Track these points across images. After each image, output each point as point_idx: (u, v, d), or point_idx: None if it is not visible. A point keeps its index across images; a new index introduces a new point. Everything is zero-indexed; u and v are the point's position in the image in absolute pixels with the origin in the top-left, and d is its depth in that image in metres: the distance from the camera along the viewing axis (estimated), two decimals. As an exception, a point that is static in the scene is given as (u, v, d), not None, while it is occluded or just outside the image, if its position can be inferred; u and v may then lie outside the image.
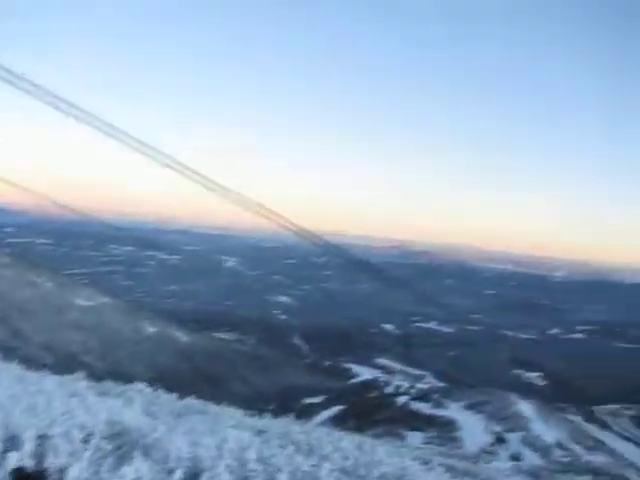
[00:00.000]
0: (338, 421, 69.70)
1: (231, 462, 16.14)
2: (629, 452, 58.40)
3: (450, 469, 29.39)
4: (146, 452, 15.42)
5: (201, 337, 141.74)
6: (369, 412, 77.95)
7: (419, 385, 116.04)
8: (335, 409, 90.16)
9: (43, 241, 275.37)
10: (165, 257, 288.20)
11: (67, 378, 27.53)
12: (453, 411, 69.55)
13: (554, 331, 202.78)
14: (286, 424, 31.59)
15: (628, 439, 71.61)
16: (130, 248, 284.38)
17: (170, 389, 34.06)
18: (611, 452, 54.05)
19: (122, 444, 14.82)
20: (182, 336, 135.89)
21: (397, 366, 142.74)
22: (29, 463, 11.50)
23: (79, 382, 25.65)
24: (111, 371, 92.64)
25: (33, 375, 25.58)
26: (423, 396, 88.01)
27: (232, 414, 31.46)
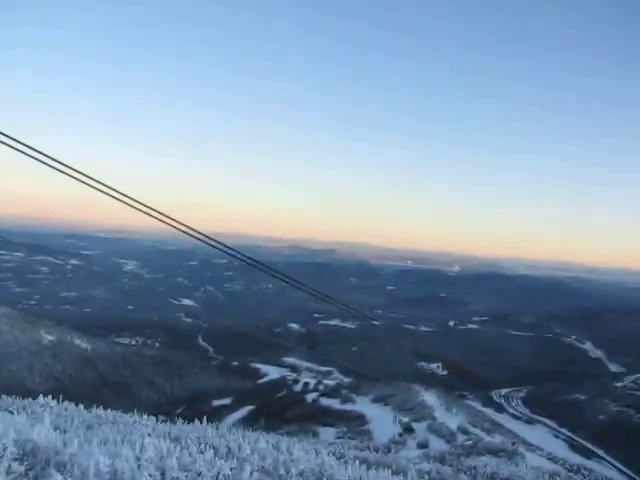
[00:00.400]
0: (249, 421, 69.50)
1: (153, 472, 16.04)
2: (521, 430, 63.13)
3: (363, 461, 30.46)
4: (62, 469, 15.01)
5: (103, 343, 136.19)
6: (280, 411, 78.18)
7: (327, 381, 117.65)
8: (245, 409, 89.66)
9: None
10: (60, 262, 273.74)
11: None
12: (361, 405, 71.35)
13: (452, 323, 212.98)
14: (201, 429, 31.46)
15: (518, 418, 77.18)
16: (21, 254, 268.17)
17: (74, 400, 32.83)
18: (507, 432, 57.99)
19: (35, 463, 14.34)
20: (82, 343, 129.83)
21: (304, 364, 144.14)
22: None
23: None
24: (7, 384, 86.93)
25: None
26: (332, 392, 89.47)
27: (144, 422, 30.78)
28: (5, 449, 14.23)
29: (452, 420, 55.40)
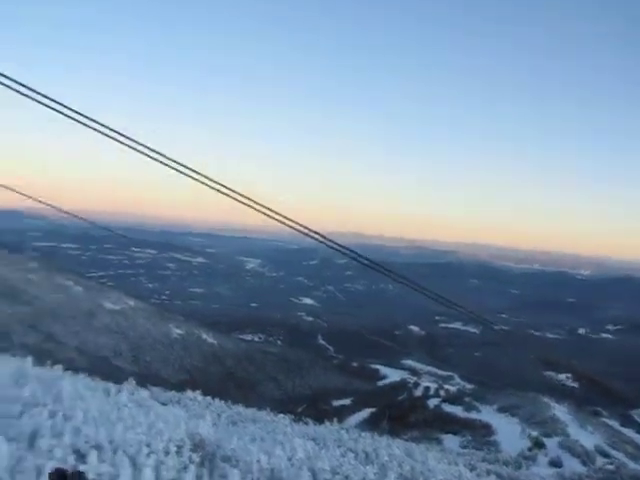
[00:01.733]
0: (371, 424, 69.88)
1: (306, 472, 16.86)
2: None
3: (498, 476, 29.69)
4: (228, 463, 16.25)
5: (229, 339, 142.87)
6: (402, 415, 77.74)
7: (448, 386, 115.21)
8: (366, 411, 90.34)
9: (68, 245, 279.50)
10: (188, 259, 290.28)
11: (123, 387, 28.36)
12: (486, 414, 69.11)
13: (582, 330, 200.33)
14: (333, 430, 32.30)
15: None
16: (152, 251, 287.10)
17: (202, 392, 34.90)
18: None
19: (205, 455, 15.67)
20: (209, 338, 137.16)
21: (424, 367, 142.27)
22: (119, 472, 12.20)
23: (141, 391, 26.51)
24: (143, 374, 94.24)
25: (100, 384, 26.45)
26: (454, 398, 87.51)
27: (281, 421, 32.16)
28: (182, 440, 15.69)
29: (587, 439, 51.92)
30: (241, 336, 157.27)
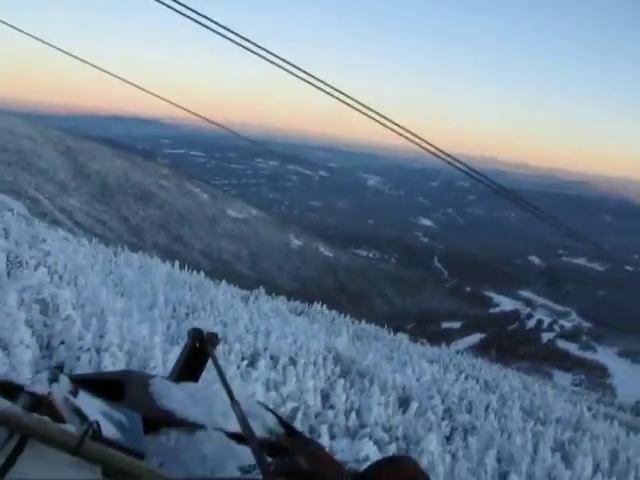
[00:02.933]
0: (480, 350, 70.26)
1: (434, 394, 17.87)
2: None
3: (619, 422, 29.19)
4: (364, 378, 17.57)
5: (344, 253, 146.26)
6: (512, 345, 77.41)
7: (563, 322, 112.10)
8: (475, 337, 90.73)
9: (195, 153, 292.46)
10: (309, 172, 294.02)
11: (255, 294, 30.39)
12: (604, 356, 66.98)
13: None
14: (450, 353, 33.19)
15: None
16: (274, 162, 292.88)
17: (315, 301, 36.56)
18: None
19: (344, 369, 17.03)
20: (325, 251, 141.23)
21: (540, 300, 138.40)
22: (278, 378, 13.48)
23: (270, 300, 28.46)
24: (261, 280, 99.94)
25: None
26: (570, 335, 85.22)
27: (401, 340, 33.47)
28: (323, 354, 17.06)
29: None
30: (356, 251, 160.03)
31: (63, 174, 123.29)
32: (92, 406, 1.30)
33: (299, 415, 12.63)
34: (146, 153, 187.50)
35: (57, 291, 13.14)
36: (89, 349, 11.98)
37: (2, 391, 1.11)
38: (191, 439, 1.44)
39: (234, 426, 1.47)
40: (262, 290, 33.78)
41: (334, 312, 33.80)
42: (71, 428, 1.08)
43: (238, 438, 1.49)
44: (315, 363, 13.45)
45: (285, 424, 1.68)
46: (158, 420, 1.52)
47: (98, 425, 1.11)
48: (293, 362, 13.30)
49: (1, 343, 9.71)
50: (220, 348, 12.42)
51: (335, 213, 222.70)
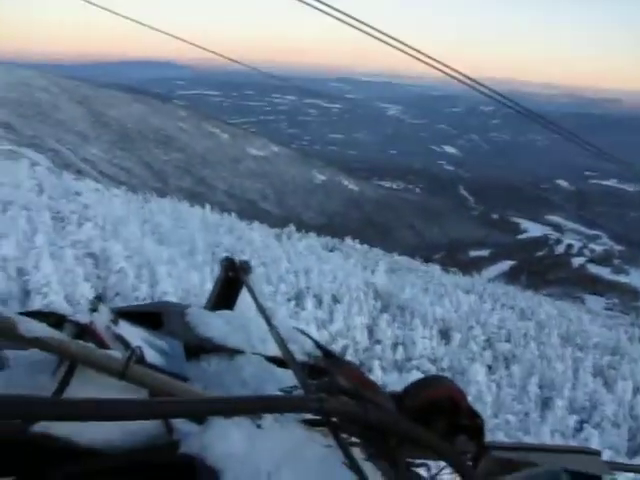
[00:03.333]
0: (509, 277, 70.44)
1: (474, 324, 18.23)
2: None
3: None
4: (404, 312, 17.96)
5: (368, 185, 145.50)
6: (542, 271, 77.39)
7: (593, 246, 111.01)
8: (505, 264, 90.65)
9: (211, 93, 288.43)
10: (327, 105, 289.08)
11: (280, 231, 30.64)
12: (637, 279, 66.58)
13: None
14: (484, 283, 33.42)
15: None
16: (292, 97, 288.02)
17: (342, 235, 36.79)
18: None
19: (385, 304, 17.41)
20: (350, 184, 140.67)
21: (569, 224, 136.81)
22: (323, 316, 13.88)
23: (300, 236, 28.69)
24: (288, 217, 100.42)
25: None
26: (601, 260, 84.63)
27: (433, 271, 33.75)
28: (363, 289, 17.38)
29: None
30: (380, 183, 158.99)
31: (82, 124, 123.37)
32: (133, 334, 1.33)
33: (349, 352, 13.14)
34: (162, 96, 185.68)
35: (105, 244, 13.54)
36: (144, 299, 12.38)
37: (47, 321, 1.14)
38: (231, 364, 1.47)
39: (272, 350, 1.53)
40: (292, 228, 34.02)
41: (365, 246, 33.86)
42: (116, 354, 1.12)
43: (277, 362, 1.53)
44: (357, 299, 13.77)
45: (321, 347, 1.71)
46: (197, 347, 1.55)
47: (141, 350, 1.16)
48: (336, 300, 13.63)
49: (67, 298, 10.16)
50: (265, 288, 12.81)
51: (357, 145, 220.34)
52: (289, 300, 13.21)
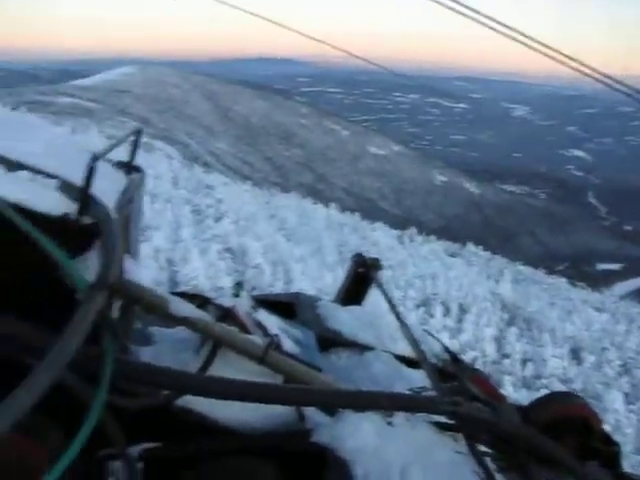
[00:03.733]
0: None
1: (608, 345, 17.24)
2: None
3: None
4: (533, 326, 17.36)
5: (490, 189, 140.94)
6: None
7: None
8: (638, 281, 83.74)
9: (332, 90, 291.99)
10: (450, 105, 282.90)
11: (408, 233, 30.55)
12: None
13: None
14: (616, 301, 31.43)
15: None
16: (414, 96, 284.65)
17: (461, 240, 35.74)
18: None
19: (511, 316, 16.92)
20: (471, 187, 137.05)
21: None
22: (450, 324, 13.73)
23: (422, 239, 28.49)
24: (406, 217, 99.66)
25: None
26: None
27: (559, 283, 32.16)
28: (489, 299, 17.01)
29: None
30: (502, 186, 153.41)
31: (210, 118, 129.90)
32: (271, 321, 1.37)
33: (477, 364, 12.92)
34: (284, 92, 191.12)
35: (240, 239, 14.27)
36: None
37: (193, 303, 1.20)
38: (361, 359, 1.48)
39: (402, 349, 1.55)
40: (414, 230, 33.73)
41: (488, 253, 32.56)
42: (256, 339, 1.18)
43: (406, 361, 1.54)
44: (485, 310, 13.50)
45: (450, 351, 1.71)
46: (328, 340, 1.59)
47: (279, 338, 1.21)
48: (463, 309, 13.45)
49: (213, 291, 10.94)
50: (395, 293, 12.90)
51: (479, 147, 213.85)
52: (417, 306, 13.18)
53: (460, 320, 12.67)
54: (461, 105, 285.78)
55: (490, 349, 13.56)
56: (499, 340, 15.23)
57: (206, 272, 11.39)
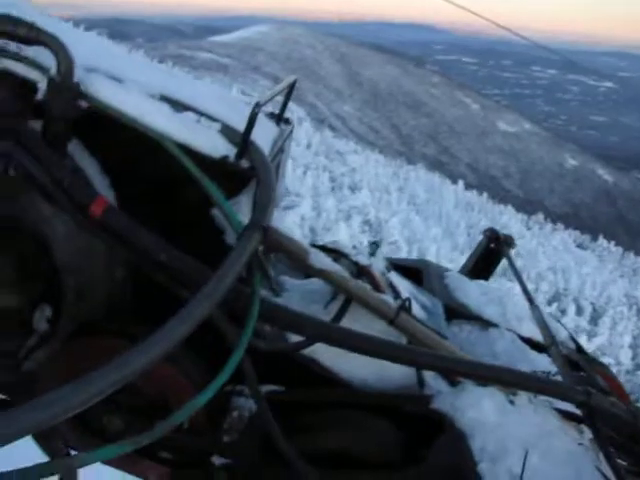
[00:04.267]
0: None
1: None
2: None
3: None
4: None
5: (626, 178, 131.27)
6: None
7: None
8: None
9: (467, 60, 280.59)
10: (593, 83, 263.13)
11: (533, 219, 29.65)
12: None
13: None
14: None
15: None
16: (553, 71, 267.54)
17: (588, 230, 33.70)
18: None
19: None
20: (604, 174, 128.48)
21: None
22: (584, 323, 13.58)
23: (561, 232, 27.64)
24: (530, 200, 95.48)
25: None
26: None
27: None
28: (623, 303, 16.56)
29: None
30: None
31: (338, 81, 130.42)
32: (403, 285, 1.37)
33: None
34: (417, 59, 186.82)
35: (376, 213, 14.61)
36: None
37: (330, 256, 1.23)
38: (483, 334, 1.46)
39: (527, 331, 1.53)
40: (541, 216, 32.50)
41: (620, 249, 30.27)
42: (389, 299, 1.18)
43: (530, 344, 1.51)
44: (621, 314, 13.11)
45: (575, 341, 1.68)
46: (453, 311, 1.59)
47: (409, 302, 1.20)
48: (596, 310, 13.16)
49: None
50: (526, 276, 12.90)
51: (621, 131, 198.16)
52: (549, 302, 12.89)
53: (594, 322, 12.21)
54: (606, 84, 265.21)
55: (625, 358, 12.87)
56: (635, 349, 14.32)
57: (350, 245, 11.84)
